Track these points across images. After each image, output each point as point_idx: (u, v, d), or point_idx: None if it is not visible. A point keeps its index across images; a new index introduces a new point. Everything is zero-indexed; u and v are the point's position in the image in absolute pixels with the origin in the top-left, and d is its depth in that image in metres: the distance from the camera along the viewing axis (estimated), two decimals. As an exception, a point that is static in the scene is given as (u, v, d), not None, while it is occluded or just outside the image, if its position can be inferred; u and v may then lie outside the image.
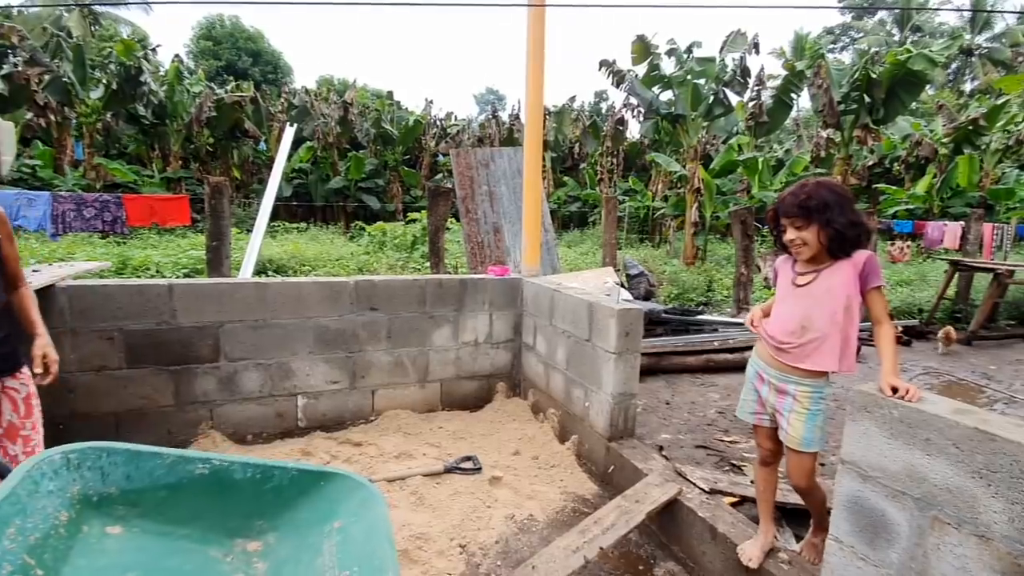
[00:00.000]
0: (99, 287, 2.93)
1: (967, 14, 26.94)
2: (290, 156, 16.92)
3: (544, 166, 18.96)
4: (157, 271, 7.45)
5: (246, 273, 6.37)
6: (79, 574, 1.35)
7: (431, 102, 21.28)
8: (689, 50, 12.15)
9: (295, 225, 14.97)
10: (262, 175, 18.02)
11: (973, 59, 26.14)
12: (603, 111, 26.20)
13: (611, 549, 2.27)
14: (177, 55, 17.41)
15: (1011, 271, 6.70)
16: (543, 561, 2.12)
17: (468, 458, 3.05)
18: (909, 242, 11.87)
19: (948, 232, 11.17)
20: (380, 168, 19.10)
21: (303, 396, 3.41)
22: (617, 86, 12.70)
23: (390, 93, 21.17)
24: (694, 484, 2.50)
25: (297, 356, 3.36)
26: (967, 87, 25.51)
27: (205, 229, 5.15)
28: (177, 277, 6.91)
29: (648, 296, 7.47)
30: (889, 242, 11.55)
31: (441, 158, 20.42)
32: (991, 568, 1.26)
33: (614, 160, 18.69)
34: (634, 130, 18.99)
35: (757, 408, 1.96)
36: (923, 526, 1.40)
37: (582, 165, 20.80)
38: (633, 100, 13.51)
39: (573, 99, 22.05)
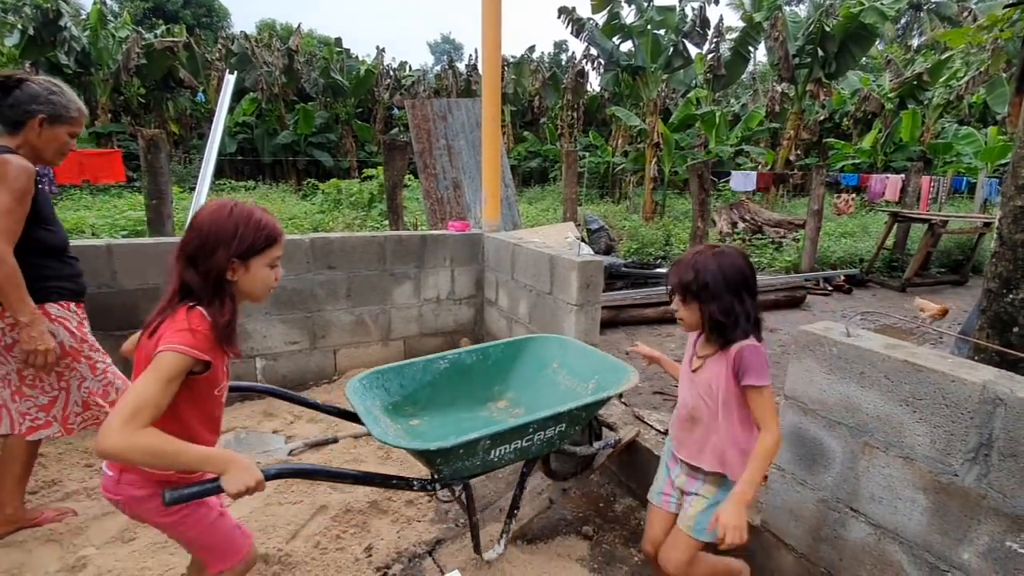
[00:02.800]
0: (27, 249, 2.71)
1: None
2: (232, 108, 15.85)
3: (503, 120, 18.51)
4: (93, 233, 6.98)
5: (192, 233, 6.04)
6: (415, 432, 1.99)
7: (383, 50, 20.19)
8: (649, -2, 11.91)
9: (242, 183, 14.22)
10: (202, 129, 16.87)
11: (921, 14, 26.73)
12: (563, 62, 25.57)
13: (574, 490, 2.38)
14: (97, -6, 15.70)
15: (944, 221, 7.14)
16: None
17: (433, 412, 3.10)
18: (854, 195, 12.39)
19: (889, 185, 11.69)
20: (331, 122, 18.18)
21: (261, 358, 3.34)
22: (577, 35, 12.40)
23: (338, 40, 19.91)
24: (651, 426, 2.62)
25: (252, 317, 3.26)
26: (915, 42, 26.20)
27: (142, 187, 4.80)
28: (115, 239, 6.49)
29: (608, 251, 7.57)
30: (836, 195, 12.03)
31: (396, 111, 19.59)
32: (913, 485, 1.39)
33: (574, 114, 18.42)
34: (594, 83, 18.73)
35: (666, 488, 1.73)
36: (855, 451, 1.52)
37: (542, 119, 20.42)
38: (593, 51, 13.24)
39: (532, 49, 21.43)
